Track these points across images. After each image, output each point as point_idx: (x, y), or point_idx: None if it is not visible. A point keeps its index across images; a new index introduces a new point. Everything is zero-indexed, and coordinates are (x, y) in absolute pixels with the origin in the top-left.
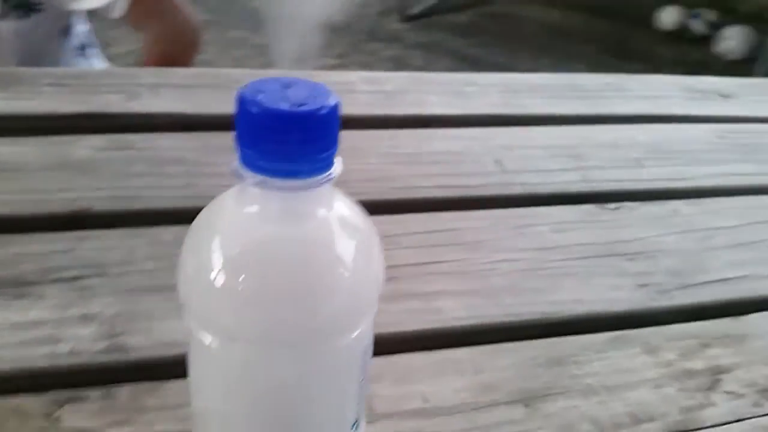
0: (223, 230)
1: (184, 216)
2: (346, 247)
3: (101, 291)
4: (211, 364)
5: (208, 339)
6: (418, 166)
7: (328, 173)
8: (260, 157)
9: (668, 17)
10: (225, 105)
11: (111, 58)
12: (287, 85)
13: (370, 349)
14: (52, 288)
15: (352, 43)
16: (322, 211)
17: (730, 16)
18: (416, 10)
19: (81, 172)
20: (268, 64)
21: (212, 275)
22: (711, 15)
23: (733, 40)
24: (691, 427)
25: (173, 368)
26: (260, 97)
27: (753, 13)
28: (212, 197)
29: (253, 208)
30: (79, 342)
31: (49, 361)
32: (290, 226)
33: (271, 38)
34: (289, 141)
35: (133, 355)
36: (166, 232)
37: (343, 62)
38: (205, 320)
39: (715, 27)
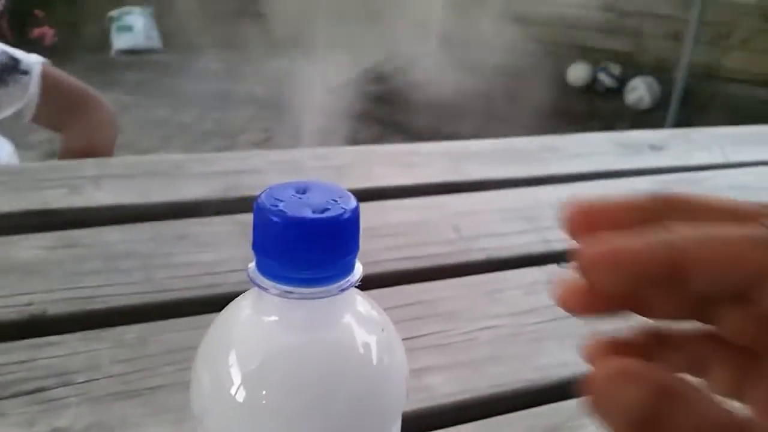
0: (242, 341)
1: (146, 313)
2: (374, 352)
3: (68, 402)
4: None
5: None
6: (378, 239)
7: (351, 276)
8: (285, 267)
9: (577, 73)
10: (170, 192)
11: (31, 146)
12: (302, 190)
13: None
14: (12, 403)
15: (278, 116)
16: (346, 317)
17: (633, 68)
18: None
19: (29, 275)
20: (194, 142)
21: (233, 390)
22: (616, 69)
23: (638, 90)
24: None
25: None
26: (281, 206)
27: (652, 64)
28: (172, 290)
29: (274, 317)
30: None
31: None
32: (316, 335)
33: None
34: (315, 249)
35: None
36: (130, 332)
37: (269, 136)
38: None
39: (621, 80)
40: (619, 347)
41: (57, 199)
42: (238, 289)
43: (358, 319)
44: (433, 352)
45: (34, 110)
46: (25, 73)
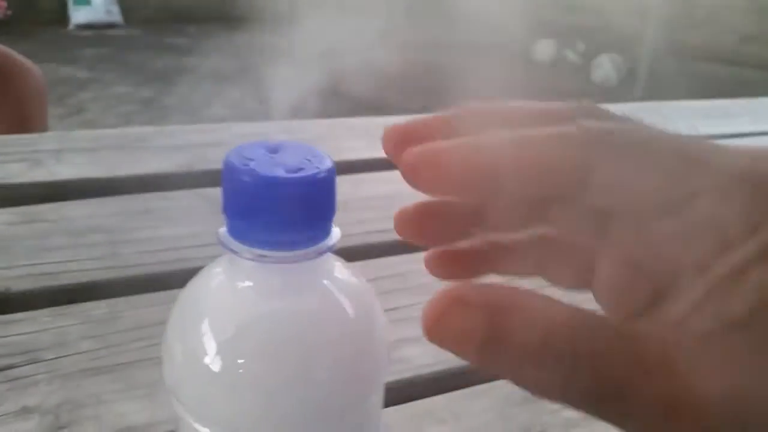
0: (215, 309)
1: (114, 289)
2: (355, 319)
3: (37, 380)
4: None
5: (205, 430)
6: (350, 212)
7: (329, 240)
8: (257, 229)
9: (544, 49)
10: (134, 165)
11: None
12: (274, 149)
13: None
14: None
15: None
16: (325, 282)
17: (598, 45)
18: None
19: None
20: (156, 118)
21: (207, 360)
22: (581, 46)
23: (604, 68)
24: None
25: None
26: (252, 165)
27: (617, 42)
28: (139, 265)
29: (249, 283)
30: None
31: None
32: (293, 301)
33: None
34: (290, 210)
35: None
36: (97, 308)
37: (236, 111)
38: (200, 412)
39: (587, 57)
40: (458, 258)
41: (17, 173)
42: (206, 263)
43: (336, 284)
44: (408, 324)
45: None
46: None
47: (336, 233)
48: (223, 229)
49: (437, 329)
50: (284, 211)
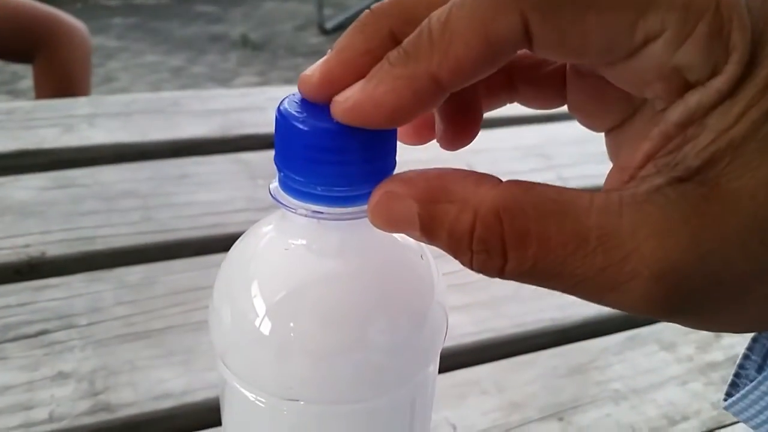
0: (266, 269)
1: (149, 254)
2: (415, 281)
3: (72, 345)
4: (256, 419)
5: (252, 396)
6: None
7: None
8: (314, 183)
9: None
10: (168, 130)
11: (17, 93)
12: (320, 104)
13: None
14: (14, 347)
15: (271, 59)
16: (383, 240)
17: None
18: (335, 22)
19: (26, 216)
20: (186, 87)
21: (258, 323)
22: None
23: None
24: (728, 422)
25: (167, 423)
26: (307, 114)
27: None
28: (174, 230)
29: (302, 241)
30: (58, 405)
31: (25, 431)
32: (349, 261)
33: None
34: (349, 161)
35: (122, 414)
36: (131, 273)
37: (266, 79)
38: (248, 377)
39: None
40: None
41: (50, 138)
42: (243, 228)
43: (395, 243)
44: (451, 291)
45: None
46: None
47: None
48: (274, 183)
49: (373, 219)
50: (343, 162)
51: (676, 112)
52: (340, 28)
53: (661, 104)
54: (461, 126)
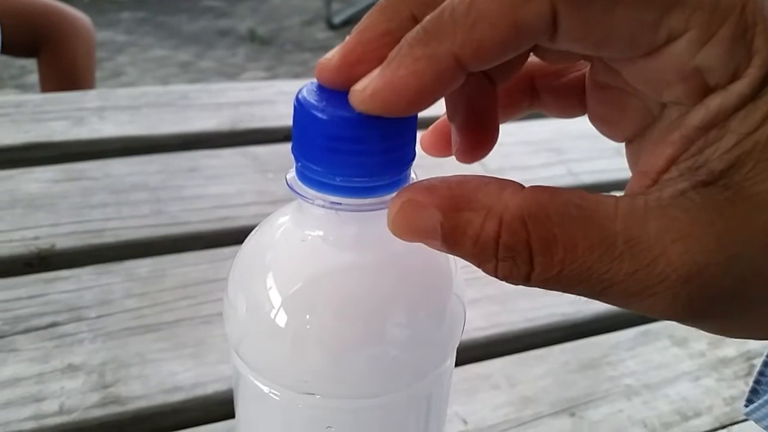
0: (282, 260)
1: (159, 247)
2: (434, 274)
3: (82, 337)
4: (270, 412)
5: (266, 388)
6: None
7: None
8: (333, 173)
9: None
10: (177, 124)
11: (26, 87)
12: (339, 92)
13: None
14: (25, 339)
15: (279, 54)
16: None
17: None
18: (342, 17)
19: (36, 209)
20: (195, 81)
21: (273, 314)
22: None
23: None
24: (740, 418)
25: (177, 416)
26: (325, 103)
27: None
28: (184, 223)
29: (319, 233)
30: (69, 397)
31: (36, 423)
32: (367, 253)
33: None
34: (368, 151)
35: (132, 407)
36: (141, 265)
37: (274, 74)
38: (262, 369)
39: None
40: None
41: (60, 131)
42: (253, 222)
43: None
44: None
45: None
46: None
47: (415, 180)
48: (291, 173)
49: (394, 228)
50: (363, 152)
51: (698, 116)
52: (348, 23)
53: (679, 110)
54: (478, 138)
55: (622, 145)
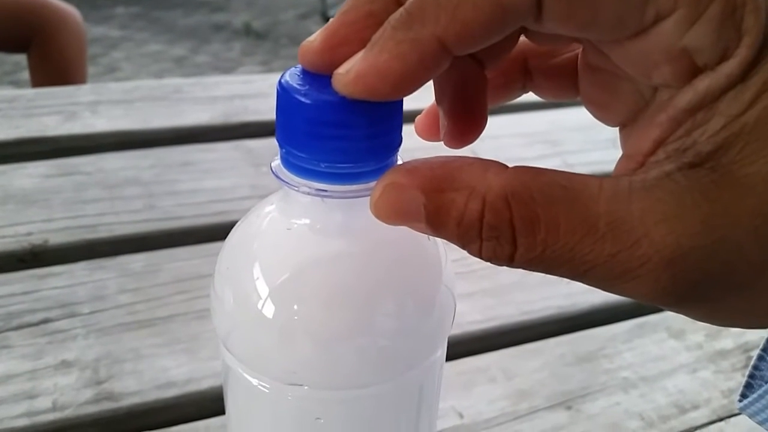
0: (268, 251)
1: (152, 241)
2: (423, 263)
3: (75, 333)
4: (260, 405)
5: (255, 381)
6: None
7: None
8: (318, 159)
9: None
10: (171, 118)
11: (20, 84)
12: (322, 77)
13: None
14: (17, 335)
15: (274, 49)
16: None
17: None
18: (337, 10)
19: (28, 204)
20: (190, 76)
21: (260, 305)
22: None
23: None
24: (738, 411)
25: (171, 412)
26: (309, 87)
27: None
28: (178, 218)
29: (305, 221)
30: (62, 394)
31: (29, 420)
32: (354, 241)
33: None
34: (354, 136)
35: (126, 403)
36: (135, 261)
37: (269, 68)
38: (251, 362)
39: None
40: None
41: (52, 126)
42: None
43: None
44: (457, 279)
45: None
46: None
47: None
48: (276, 161)
49: (377, 211)
50: (348, 137)
51: (686, 98)
52: None
53: (669, 92)
54: (466, 123)
55: (617, 136)
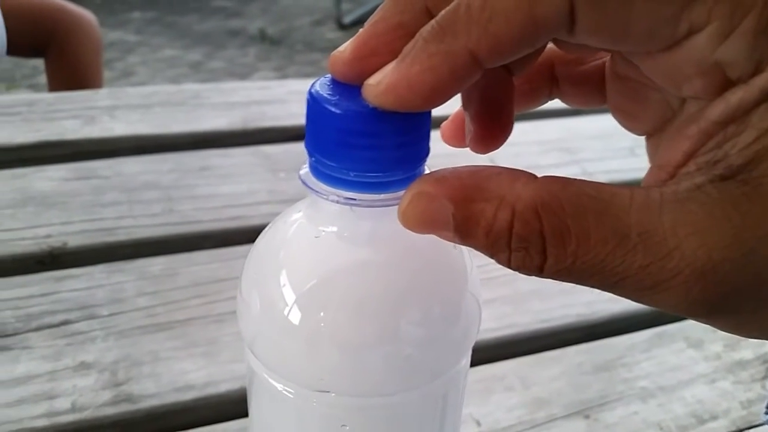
0: (296, 257)
1: (170, 244)
2: (450, 272)
3: (94, 335)
4: (284, 410)
5: (280, 386)
6: None
7: None
8: (347, 168)
9: None
10: (189, 122)
11: (38, 87)
12: (352, 87)
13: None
14: (37, 336)
15: (289, 54)
16: None
17: None
18: (352, 17)
19: (48, 207)
20: (205, 81)
21: (287, 312)
22: None
23: None
24: (757, 422)
25: (190, 415)
26: (339, 97)
27: None
28: (196, 222)
29: (333, 229)
30: (81, 395)
31: (48, 421)
32: (381, 250)
33: None
34: (383, 146)
35: (144, 405)
36: (153, 264)
37: (283, 74)
38: (276, 368)
39: None
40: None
41: (72, 129)
42: (265, 221)
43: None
44: None
45: (5, 42)
46: None
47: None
48: (304, 169)
49: (405, 221)
50: (377, 147)
51: (717, 110)
52: (358, 22)
53: (698, 104)
54: (493, 128)
55: (636, 145)
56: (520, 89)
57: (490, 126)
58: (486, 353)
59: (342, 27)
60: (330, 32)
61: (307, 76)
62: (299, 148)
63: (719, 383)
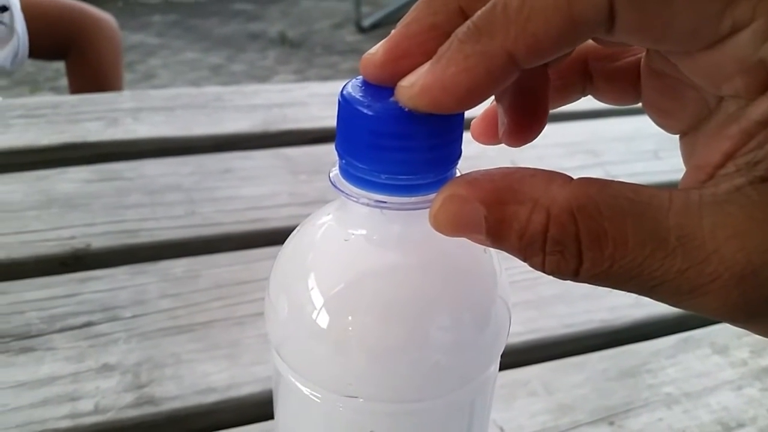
0: (325, 260)
1: (193, 246)
2: (480, 276)
3: (117, 337)
4: (311, 414)
5: (307, 390)
6: None
7: None
8: (378, 171)
9: None
10: (211, 125)
11: (60, 90)
12: (383, 88)
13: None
14: (60, 338)
15: (309, 57)
16: None
17: None
18: (372, 20)
19: (71, 208)
20: (226, 84)
21: (315, 315)
22: None
23: None
24: None
25: (212, 418)
26: (371, 99)
27: None
28: (218, 224)
29: (362, 232)
30: (104, 397)
31: (71, 422)
32: (411, 253)
33: None
34: (415, 148)
35: (166, 407)
36: (176, 266)
37: (303, 77)
38: (303, 371)
39: None
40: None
41: (95, 132)
42: (286, 224)
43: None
44: None
45: (27, 45)
46: (4, 9)
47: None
48: (335, 171)
49: (437, 224)
50: (409, 149)
51: (759, 110)
52: (378, 26)
53: (737, 103)
54: (527, 121)
55: (659, 148)
56: (553, 85)
57: (524, 118)
58: (510, 358)
59: (361, 30)
60: (349, 35)
61: (326, 78)
62: (320, 151)
63: (746, 390)
